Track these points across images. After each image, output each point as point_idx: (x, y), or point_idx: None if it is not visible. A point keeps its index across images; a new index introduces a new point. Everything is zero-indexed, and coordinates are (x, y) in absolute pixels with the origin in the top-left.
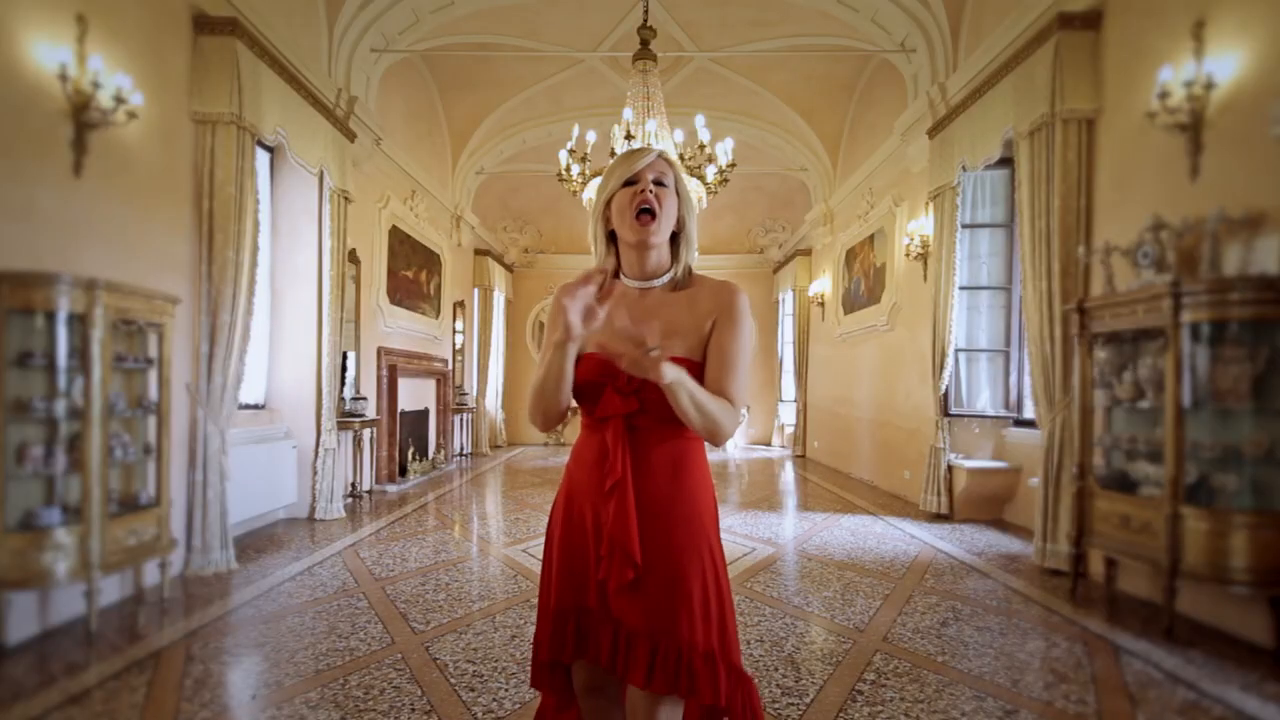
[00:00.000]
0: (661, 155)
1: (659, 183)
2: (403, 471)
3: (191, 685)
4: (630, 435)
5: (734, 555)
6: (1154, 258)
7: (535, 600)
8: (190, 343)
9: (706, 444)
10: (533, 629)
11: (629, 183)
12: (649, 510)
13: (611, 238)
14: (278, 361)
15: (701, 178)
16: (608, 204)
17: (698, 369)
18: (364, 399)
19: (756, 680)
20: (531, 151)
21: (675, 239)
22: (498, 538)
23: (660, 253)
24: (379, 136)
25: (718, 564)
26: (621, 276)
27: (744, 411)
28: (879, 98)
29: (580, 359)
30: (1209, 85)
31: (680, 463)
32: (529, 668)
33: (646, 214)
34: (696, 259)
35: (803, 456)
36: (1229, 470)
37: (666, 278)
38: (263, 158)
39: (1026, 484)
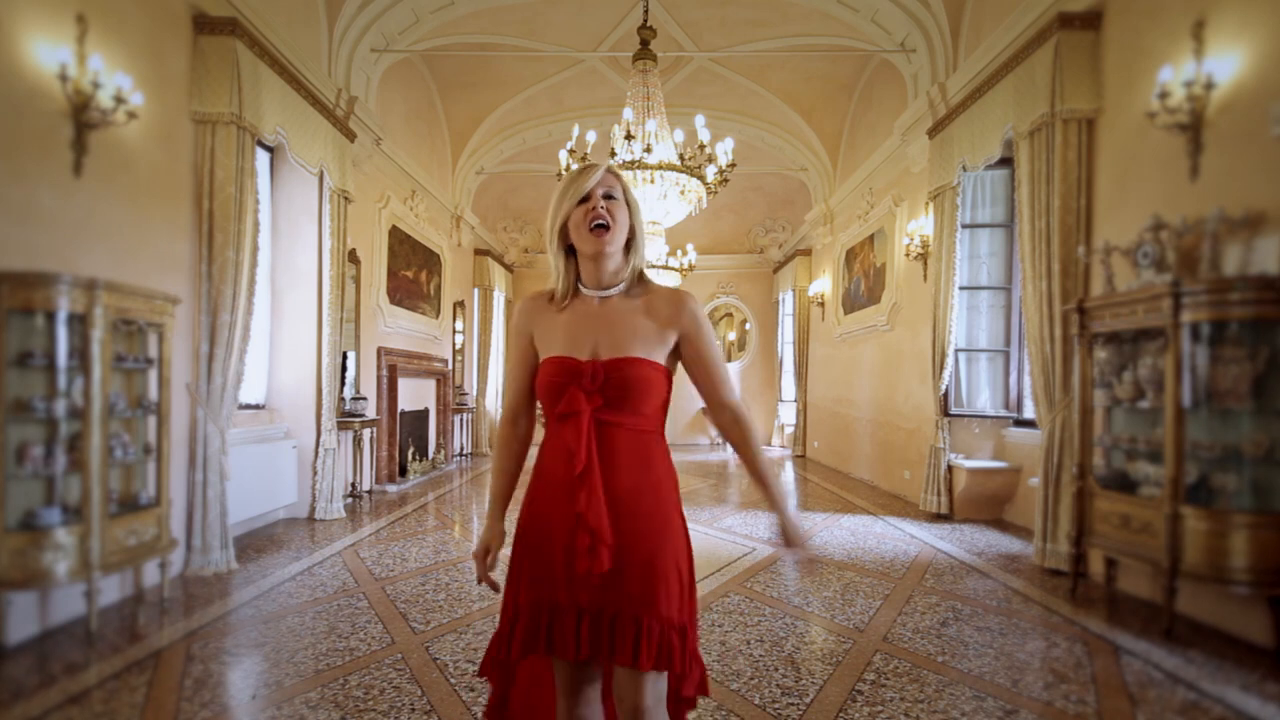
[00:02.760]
0: (609, 170)
1: (609, 196)
2: (403, 471)
3: (191, 685)
4: (598, 430)
5: (734, 555)
6: (1154, 258)
7: None
8: (190, 343)
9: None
10: None
11: (583, 200)
12: (622, 498)
13: (570, 252)
14: (278, 361)
15: (701, 178)
16: (565, 223)
17: (660, 371)
18: (364, 399)
19: (756, 680)
20: (531, 151)
21: (627, 245)
22: None
23: (615, 260)
24: (379, 136)
25: (687, 548)
26: (581, 287)
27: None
28: (879, 98)
29: (543, 363)
30: (1209, 85)
31: (646, 454)
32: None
33: (601, 228)
34: (645, 262)
35: (803, 456)
36: (1229, 470)
37: (622, 285)
38: (263, 158)
39: (1026, 484)
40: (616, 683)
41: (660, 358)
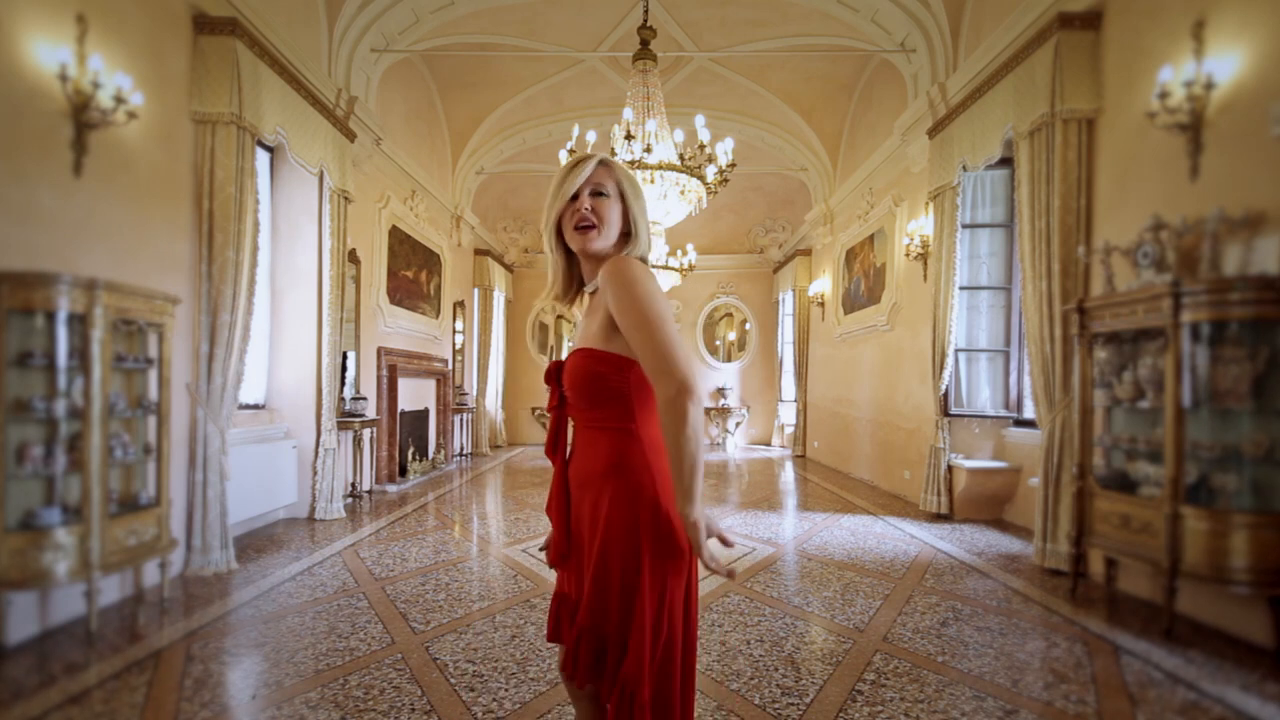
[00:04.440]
0: (601, 162)
1: (598, 193)
2: (403, 471)
3: (191, 685)
4: (568, 425)
5: (733, 555)
6: (1154, 258)
7: (534, 600)
8: (190, 343)
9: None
10: (533, 629)
11: (573, 198)
12: (574, 493)
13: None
14: (278, 361)
15: (701, 178)
16: (558, 222)
17: (603, 360)
18: (364, 399)
19: (756, 680)
20: (531, 151)
21: (625, 237)
22: (498, 538)
23: (610, 254)
24: (379, 136)
25: (649, 562)
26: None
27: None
28: (879, 98)
29: None
30: (1209, 85)
31: (610, 452)
32: (528, 667)
33: (586, 227)
34: (648, 250)
35: (803, 456)
36: (1229, 470)
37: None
38: (263, 158)
39: (1026, 484)
40: None
41: (612, 345)
